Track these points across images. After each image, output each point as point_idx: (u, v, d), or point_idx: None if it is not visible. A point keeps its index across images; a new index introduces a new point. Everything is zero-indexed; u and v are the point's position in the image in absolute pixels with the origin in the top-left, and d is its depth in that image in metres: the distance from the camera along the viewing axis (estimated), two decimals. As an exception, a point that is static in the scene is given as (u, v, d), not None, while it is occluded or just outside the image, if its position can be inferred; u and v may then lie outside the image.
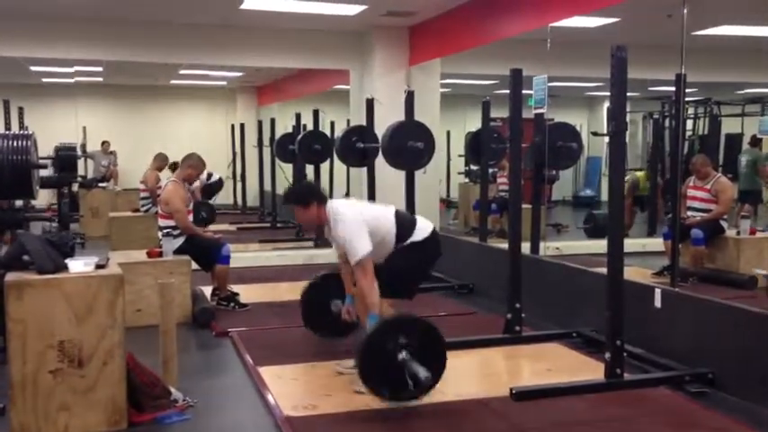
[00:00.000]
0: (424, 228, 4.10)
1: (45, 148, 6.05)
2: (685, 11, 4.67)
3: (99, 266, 3.42)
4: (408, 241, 4.01)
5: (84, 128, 12.90)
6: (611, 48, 3.76)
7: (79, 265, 3.35)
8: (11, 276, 3.25)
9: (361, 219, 3.86)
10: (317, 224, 4.14)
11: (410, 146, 6.24)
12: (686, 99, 9.45)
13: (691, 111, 9.80)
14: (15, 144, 4.18)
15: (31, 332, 3.18)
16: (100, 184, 11.61)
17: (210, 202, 10.37)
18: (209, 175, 10.39)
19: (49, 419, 3.23)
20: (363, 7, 7.09)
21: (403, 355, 3.48)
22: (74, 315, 3.24)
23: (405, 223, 4.07)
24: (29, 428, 3.20)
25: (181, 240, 5.66)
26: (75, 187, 10.27)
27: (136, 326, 4.84)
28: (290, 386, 4.05)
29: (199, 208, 8.81)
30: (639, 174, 9.10)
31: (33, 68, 10.66)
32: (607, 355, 3.93)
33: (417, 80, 8.04)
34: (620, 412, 3.66)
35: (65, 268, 3.33)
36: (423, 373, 3.45)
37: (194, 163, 5.94)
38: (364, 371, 3.52)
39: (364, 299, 3.83)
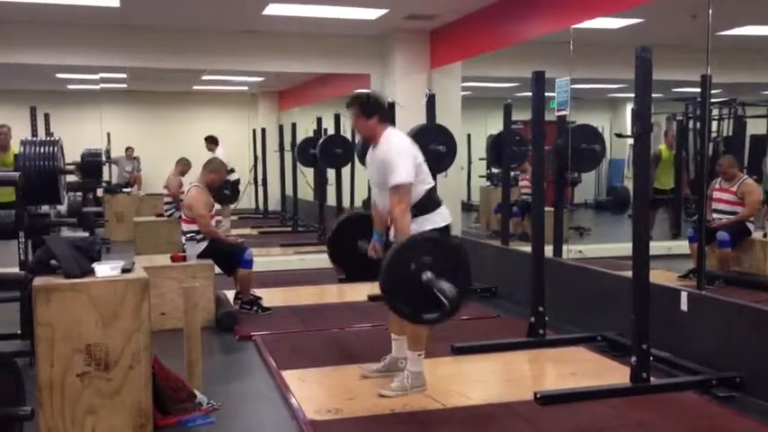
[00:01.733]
0: (444, 213, 3.91)
1: (70, 154, 6.14)
2: (711, 11, 4.61)
3: (125, 270, 3.45)
4: (425, 221, 3.82)
5: (109, 134, 13.06)
6: (636, 49, 3.73)
7: (105, 270, 3.37)
8: (38, 281, 3.28)
9: (412, 151, 3.81)
10: (368, 137, 4.01)
11: (432, 149, 6.22)
12: (711, 101, 9.37)
13: (715, 112, 9.70)
14: (43, 150, 4.24)
15: (59, 336, 3.21)
16: (124, 190, 11.74)
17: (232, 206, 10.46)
18: (231, 171, 10.45)
19: (76, 422, 3.25)
20: (384, 11, 7.10)
21: (428, 275, 3.43)
22: (100, 319, 3.26)
23: (433, 195, 3.94)
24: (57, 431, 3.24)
25: (204, 245, 5.70)
26: (99, 192, 10.44)
27: (160, 329, 4.89)
28: (313, 390, 4.05)
29: (223, 186, 8.98)
30: (661, 146, 8.96)
31: (59, 75, 10.80)
32: (633, 359, 3.89)
33: (438, 83, 8.03)
34: (646, 417, 3.62)
35: (91, 272, 3.36)
36: (449, 288, 3.38)
37: (216, 167, 6.00)
38: (387, 290, 3.49)
39: (395, 224, 3.74)
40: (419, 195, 3.82)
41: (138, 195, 11.96)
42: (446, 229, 3.86)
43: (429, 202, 3.86)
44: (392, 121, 6.97)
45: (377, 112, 3.90)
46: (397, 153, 3.75)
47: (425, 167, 3.91)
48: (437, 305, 3.44)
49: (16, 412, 2.71)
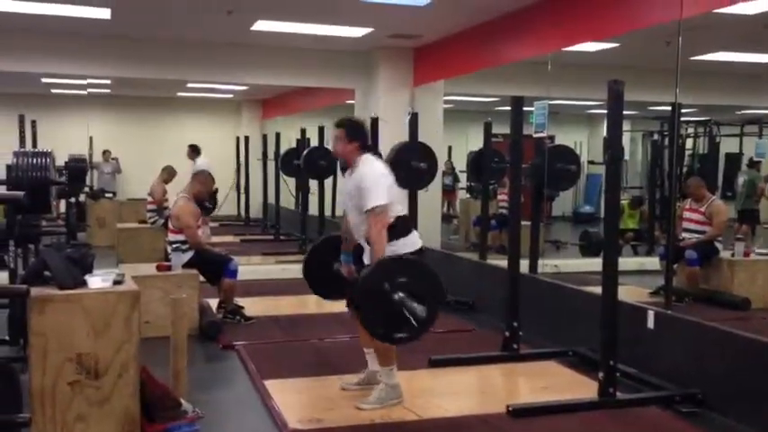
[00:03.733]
0: (413, 242, 3.99)
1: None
2: (681, 39, 4.72)
3: (116, 282, 3.57)
4: (402, 244, 3.92)
5: (91, 138, 13.08)
6: (608, 83, 3.91)
7: (98, 281, 3.49)
8: (34, 291, 3.38)
9: (387, 177, 3.92)
10: (346, 160, 4.06)
11: (413, 166, 6.38)
12: (686, 119, 9.63)
13: (691, 130, 9.98)
14: (35, 161, 4.34)
15: (51, 345, 3.31)
16: (106, 195, 11.77)
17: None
18: None
19: (66, 429, 3.35)
20: (369, 30, 7.28)
21: (399, 294, 3.57)
22: (92, 329, 3.37)
23: (406, 221, 4.03)
24: (47, 438, 3.34)
25: (190, 255, 5.82)
26: (82, 197, 10.47)
27: (144, 337, 4.96)
28: (294, 399, 4.18)
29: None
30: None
31: (44, 80, 10.84)
32: (601, 375, 4.07)
33: (421, 101, 8.20)
34: (611, 430, 3.80)
35: (84, 284, 3.47)
36: (420, 310, 3.55)
37: (204, 179, 6.14)
38: (362, 309, 3.66)
39: (373, 245, 3.82)
40: (394, 212, 3.92)
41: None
42: (418, 253, 3.96)
43: (401, 228, 3.95)
44: (375, 137, 7.14)
45: (360, 138, 4.00)
46: (373, 177, 3.87)
47: (397, 194, 4.03)
48: (407, 325, 3.59)
49: (14, 419, 2.83)
